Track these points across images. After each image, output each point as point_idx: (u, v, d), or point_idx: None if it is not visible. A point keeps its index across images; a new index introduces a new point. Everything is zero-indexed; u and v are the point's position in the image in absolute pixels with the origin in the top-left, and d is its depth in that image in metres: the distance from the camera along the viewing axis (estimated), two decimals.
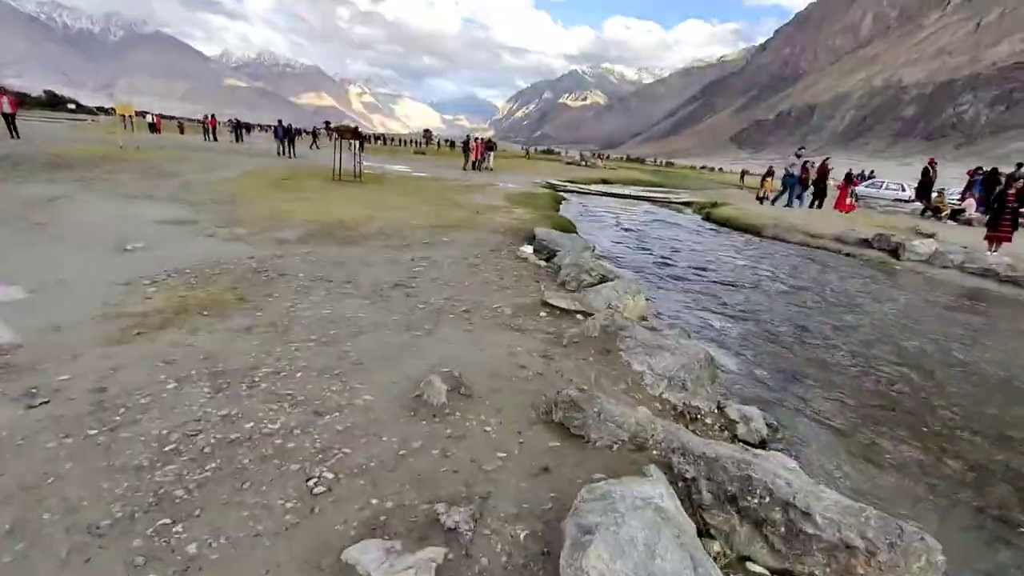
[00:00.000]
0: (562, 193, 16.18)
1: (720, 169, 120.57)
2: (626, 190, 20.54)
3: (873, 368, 3.89)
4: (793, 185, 16.09)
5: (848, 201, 18.52)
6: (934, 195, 17.94)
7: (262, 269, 4.43)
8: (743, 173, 58.48)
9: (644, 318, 3.92)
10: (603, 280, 4.39)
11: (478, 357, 2.83)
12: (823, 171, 16.12)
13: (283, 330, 3.13)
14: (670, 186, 26.88)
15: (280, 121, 22.53)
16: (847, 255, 8.74)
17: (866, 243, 8.97)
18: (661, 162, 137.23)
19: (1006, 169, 17.48)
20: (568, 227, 8.43)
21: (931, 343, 4.63)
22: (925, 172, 21.16)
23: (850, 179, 19.04)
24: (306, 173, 13.56)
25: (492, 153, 23.54)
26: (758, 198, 21.35)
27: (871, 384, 3.60)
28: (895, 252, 8.50)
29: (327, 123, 40.56)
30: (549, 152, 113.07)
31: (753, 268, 7.30)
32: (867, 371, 3.82)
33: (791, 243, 9.76)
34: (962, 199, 18.97)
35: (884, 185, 29.86)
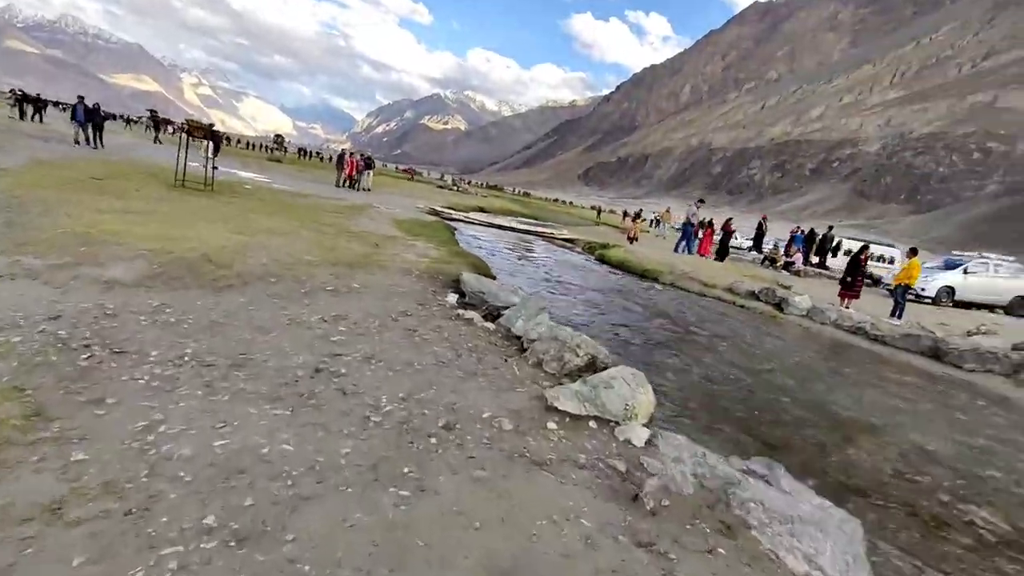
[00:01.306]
0: (448, 222, 15.17)
1: (571, 203, 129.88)
2: (510, 222, 20.24)
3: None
4: (689, 233, 17.08)
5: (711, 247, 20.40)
6: (768, 247, 20.79)
7: (78, 340, 2.69)
8: (599, 210, 63.35)
9: (652, 418, 3.09)
10: (593, 362, 3.49)
11: (532, 559, 1.70)
12: (727, 229, 17.31)
13: (138, 510, 1.62)
14: (543, 219, 27.45)
15: (82, 99, 16.97)
16: (741, 307, 9.11)
17: (754, 296, 9.53)
18: (518, 191, 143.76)
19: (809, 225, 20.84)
20: (484, 269, 7.45)
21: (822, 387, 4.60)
22: (759, 226, 24.50)
23: (711, 226, 21.18)
24: (130, 172, 10.60)
25: (371, 172, 21.65)
26: (628, 238, 22.58)
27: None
28: (779, 305, 9.13)
29: (152, 112, 34.32)
30: (408, 171, 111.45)
31: (682, 321, 7.09)
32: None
33: (691, 292, 9.96)
34: (786, 252, 22.19)
35: None
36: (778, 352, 6.34)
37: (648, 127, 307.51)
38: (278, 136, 55.95)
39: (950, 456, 3.76)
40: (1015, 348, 7.28)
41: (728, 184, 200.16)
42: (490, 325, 4.39)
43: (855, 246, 22.98)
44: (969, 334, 8.31)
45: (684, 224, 17.26)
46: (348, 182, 20.97)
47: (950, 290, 14.09)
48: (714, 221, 18.40)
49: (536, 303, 4.65)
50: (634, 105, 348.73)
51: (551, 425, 2.67)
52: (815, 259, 19.97)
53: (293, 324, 3.53)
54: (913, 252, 10.69)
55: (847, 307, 10.03)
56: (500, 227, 17.71)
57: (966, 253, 16.72)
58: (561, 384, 3.13)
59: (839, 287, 10.71)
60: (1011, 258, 16.07)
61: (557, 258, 12.52)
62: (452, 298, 5.37)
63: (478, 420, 2.60)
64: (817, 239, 20.22)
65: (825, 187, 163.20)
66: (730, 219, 18.89)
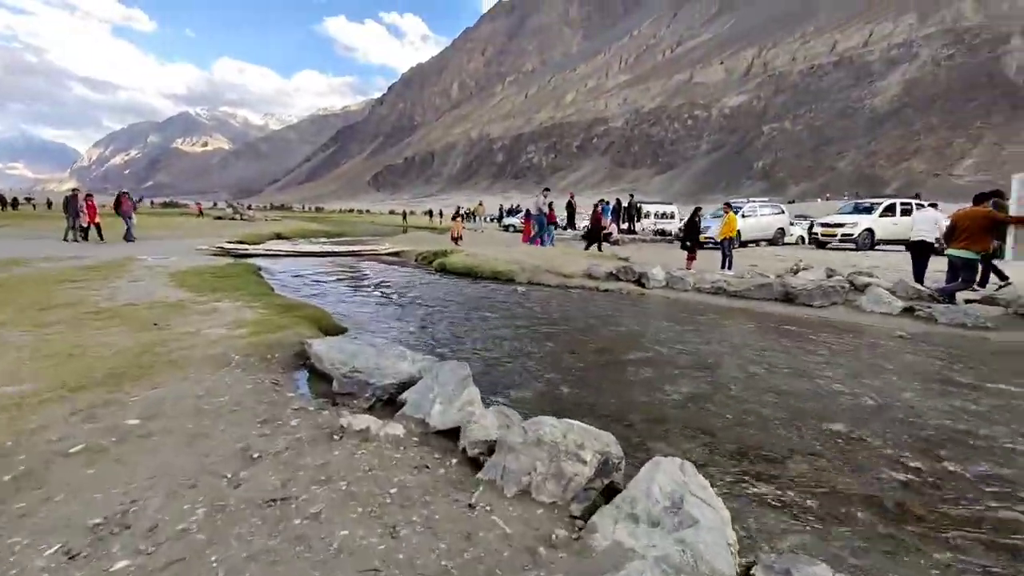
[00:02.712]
0: (247, 260, 12.22)
1: (368, 211, 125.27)
2: (321, 245, 17.54)
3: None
4: (542, 224, 16.41)
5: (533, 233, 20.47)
6: (584, 223, 21.91)
7: None
8: (404, 213, 61.43)
9: None
10: (605, 464, 2.21)
11: None
12: (598, 217, 16.61)
13: None
14: (351, 234, 24.90)
15: None
16: (606, 291, 8.81)
17: (614, 276, 9.35)
18: (309, 208, 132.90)
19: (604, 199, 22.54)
20: (327, 322, 5.57)
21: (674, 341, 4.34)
22: (568, 204, 25.79)
23: (529, 214, 21.32)
24: None
25: (133, 219, 16.53)
26: (453, 238, 21.67)
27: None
28: (639, 281, 9.06)
29: None
30: (172, 204, 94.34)
31: (568, 320, 6.24)
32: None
33: (552, 287, 9.35)
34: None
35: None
36: (667, 330, 5.93)
37: (428, 126, 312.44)
38: None
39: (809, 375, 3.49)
40: (828, 276, 8.33)
41: (512, 170, 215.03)
42: (396, 429, 2.80)
43: (654, 209, 25.86)
44: (795, 272, 9.26)
45: (537, 216, 16.63)
46: (84, 233, 15.84)
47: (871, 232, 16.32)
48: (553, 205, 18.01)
49: (450, 371, 3.19)
50: (409, 105, 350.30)
51: None
52: (625, 226, 21.64)
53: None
54: (728, 207, 11.76)
55: (689, 268, 10.54)
56: (313, 254, 15.10)
57: (739, 200, 19.82)
58: (593, 537, 1.83)
59: (684, 252, 11.25)
60: (764, 199, 19.85)
61: (396, 278, 10.84)
62: (306, 388, 3.57)
63: None
64: (623, 208, 21.95)
65: (590, 161, 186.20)
66: (601, 201, 18.79)
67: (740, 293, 8.18)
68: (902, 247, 16.46)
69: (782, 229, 18.83)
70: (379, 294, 8.47)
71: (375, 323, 6.19)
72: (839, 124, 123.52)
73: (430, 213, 64.91)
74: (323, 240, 20.25)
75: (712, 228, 16.01)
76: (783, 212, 19.44)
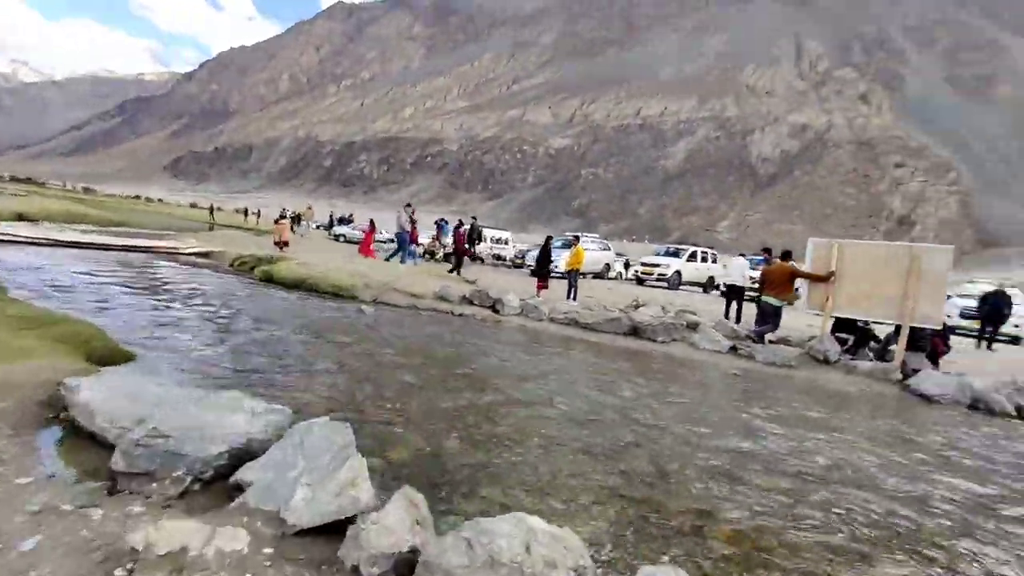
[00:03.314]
0: None
1: (161, 200, 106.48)
2: (95, 235, 13.69)
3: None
4: (404, 241, 15.35)
5: (372, 247, 19.06)
6: (427, 240, 21.16)
7: None
8: (212, 208, 52.90)
9: None
10: None
11: None
12: (461, 238, 15.78)
13: None
14: (140, 226, 20.27)
15: None
16: (460, 315, 8.24)
17: (467, 300, 8.87)
18: (75, 187, 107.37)
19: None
20: (103, 344, 3.92)
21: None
22: (411, 221, 24.81)
23: (374, 225, 19.82)
24: None
25: None
26: (276, 243, 19.39)
27: None
28: (494, 307, 8.78)
29: None
30: None
31: (428, 350, 5.44)
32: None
33: (401, 307, 8.42)
34: (435, 242, 23.10)
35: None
36: (537, 364, 5.62)
37: (248, 115, 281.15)
38: None
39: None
40: (664, 313, 9.04)
41: (340, 176, 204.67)
42: (236, 539, 1.75)
43: (490, 234, 26.21)
44: (636, 307, 9.86)
45: (397, 234, 15.68)
46: None
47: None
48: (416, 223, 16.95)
49: (322, 434, 2.22)
50: (226, 89, 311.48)
51: None
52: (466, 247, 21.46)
53: None
54: (576, 239, 12.15)
55: (539, 296, 10.53)
56: (79, 245, 11.59)
57: (574, 233, 21.16)
58: None
59: (534, 278, 11.21)
60: (594, 235, 21.64)
61: (208, 286, 8.71)
62: (59, 465, 2.25)
63: None
64: (465, 227, 21.72)
65: (424, 179, 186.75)
66: (461, 222, 17.85)
67: (592, 326, 8.38)
68: (699, 288, 19.38)
69: (608, 264, 20.73)
70: (183, 306, 6.57)
71: (181, 349, 4.60)
72: (641, 178, 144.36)
73: (245, 212, 57.18)
74: (96, 230, 16.01)
75: (558, 259, 16.73)
76: (609, 248, 21.46)
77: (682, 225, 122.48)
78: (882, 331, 8.85)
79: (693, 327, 8.51)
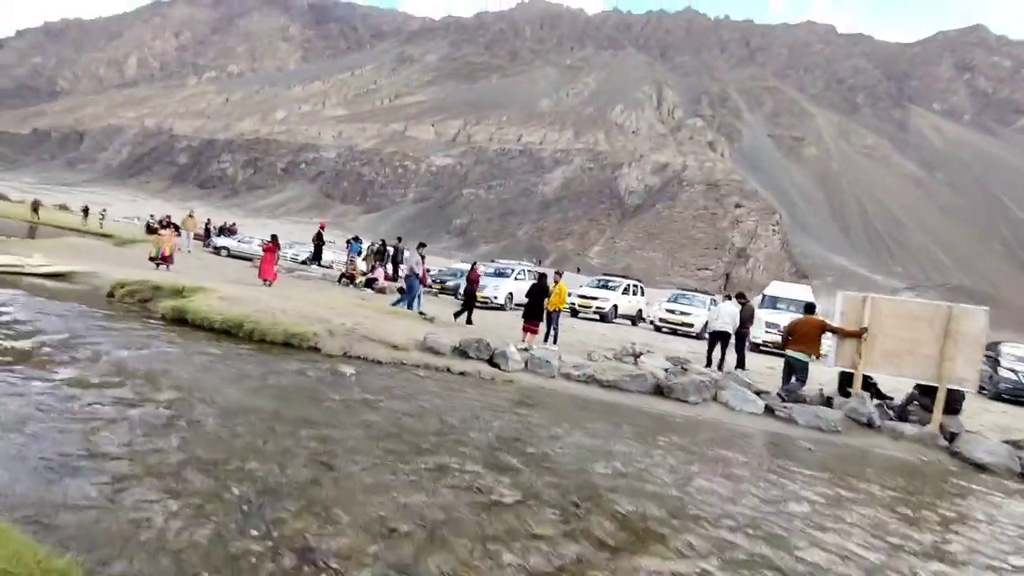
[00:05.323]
0: None
1: None
2: None
3: None
4: (414, 286, 13.13)
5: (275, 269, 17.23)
6: (349, 264, 19.58)
7: None
8: (36, 204, 43.86)
9: None
10: None
11: None
12: (475, 278, 14.02)
13: None
14: None
15: None
16: (460, 374, 7.80)
17: (461, 352, 8.40)
18: None
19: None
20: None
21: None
22: (319, 236, 23.20)
23: (277, 241, 17.63)
24: None
25: None
26: (152, 259, 16.99)
27: None
28: (492, 360, 8.24)
29: None
30: None
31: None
32: None
33: (384, 364, 7.69)
34: (352, 264, 21.61)
35: (256, 241, 30.02)
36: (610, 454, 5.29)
37: (81, 96, 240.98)
38: None
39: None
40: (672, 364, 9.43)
41: (198, 176, 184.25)
42: None
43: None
44: (635, 356, 9.65)
45: (408, 276, 13.57)
46: None
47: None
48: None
49: None
50: (53, 63, 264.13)
51: None
52: (389, 271, 20.47)
53: None
54: (559, 275, 11.42)
55: (525, 341, 10.06)
56: None
57: (509, 262, 21.47)
58: None
59: (523, 319, 10.43)
60: (530, 263, 22.29)
61: (91, 334, 6.35)
62: None
63: None
64: (389, 250, 20.76)
65: (296, 186, 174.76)
66: (475, 263, 16.26)
67: (614, 384, 7.91)
68: (628, 321, 20.71)
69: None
70: (77, 395, 4.22)
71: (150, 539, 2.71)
72: (520, 200, 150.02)
73: (85, 211, 48.16)
74: None
75: (494, 287, 16.78)
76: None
77: (557, 248, 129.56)
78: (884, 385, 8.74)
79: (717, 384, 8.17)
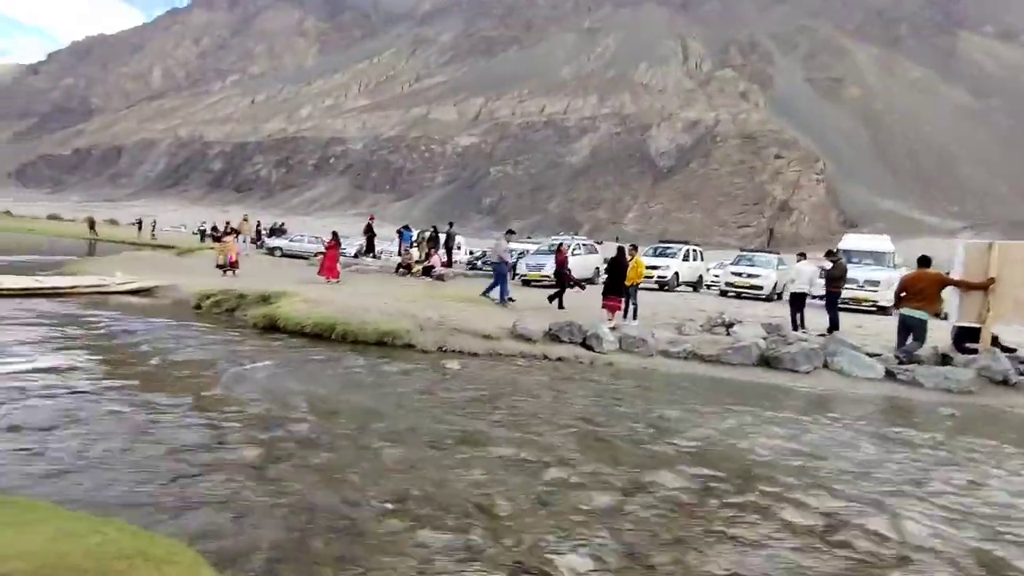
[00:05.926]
0: None
1: (9, 213, 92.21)
2: None
3: None
4: (503, 274, 12.84)
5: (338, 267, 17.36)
6: (405, 254, 19.54)
7: None
8: (92, 222, 46.13)
9: None
10: None
11: None
12: (563, 258, 13.64)
13: None
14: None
15: None
16: (558, 359, 7.72)
17: (553, 337, 8.32)
18: None
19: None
20: None
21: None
22: (369, 228, 23.31)
23: (338, 239, 17.67)
24: None
25: None
26: (220, 267, 17.43)
27: None
28: (585, 342, 8.12)
29: None
30: None
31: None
32: None
33: (481, 356, 7.67)
34: (400, 252, 21.54)
35: (306, 239, 30.86)
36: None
37: (113, 113, 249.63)
38: None
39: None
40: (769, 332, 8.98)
41: (233, 181, 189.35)
42: None
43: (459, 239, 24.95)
44: (727, 326, 9.17)
45: (497, 263, 13.27)
46: None
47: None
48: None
49: None
50: (84, 84, 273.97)
51: None
52: (445, 258, 20.32)
53: None
54: (634, 249, 10.90)
55: (611, 320, 9.78)
56: None
57: (563, 237, 21.03)
58: None
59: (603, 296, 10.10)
60: (583, 238, 21.93)
61: (197, 352, 6.65)
62: None
63: None
64: (440, 236, 20.45)
65: (328, 181, 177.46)
66: (560, 245, 16.01)
67: (717, 358, 7.55)
68: (689, 288, 20.09)
69: (598, 268, 18.85)
70: (200, 422, 4.28)
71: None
72: (548, 173, 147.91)
73: (139, 224, 50.39)
74: None
75: (547, 265, 16.52)
76: (597, 251, 20.56)
77: (590, 218, 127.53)
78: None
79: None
